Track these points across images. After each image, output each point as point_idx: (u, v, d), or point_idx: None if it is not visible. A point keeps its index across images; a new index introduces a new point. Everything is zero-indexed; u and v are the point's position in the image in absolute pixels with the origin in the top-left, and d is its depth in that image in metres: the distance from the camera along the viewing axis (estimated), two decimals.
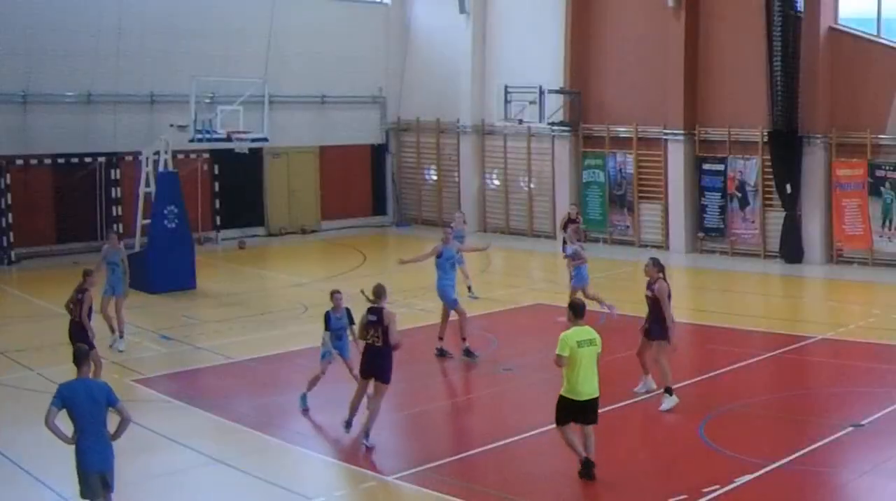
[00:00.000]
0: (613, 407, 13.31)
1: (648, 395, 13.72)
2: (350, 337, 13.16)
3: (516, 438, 12.11)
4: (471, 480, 11.16)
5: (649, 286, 13.65)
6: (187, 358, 16.52)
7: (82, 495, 8.72)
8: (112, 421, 8.75)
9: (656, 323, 13.54)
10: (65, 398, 8.57)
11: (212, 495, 10.89)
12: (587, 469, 10.73)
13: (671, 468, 11.15)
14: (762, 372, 15.43)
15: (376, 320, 11.76)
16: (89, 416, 8.58)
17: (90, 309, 14.27)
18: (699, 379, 14.80)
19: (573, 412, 10.83)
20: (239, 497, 10.76)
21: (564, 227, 22.79)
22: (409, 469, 11.06)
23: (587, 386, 10.78)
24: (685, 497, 9.95)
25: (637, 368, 15.81)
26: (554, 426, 11.02)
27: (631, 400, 13.56)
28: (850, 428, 12.02)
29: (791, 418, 12.89)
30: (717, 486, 10.17)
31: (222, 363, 16.15)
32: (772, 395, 14.24)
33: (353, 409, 12.21)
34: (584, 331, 10.93)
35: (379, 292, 12.10)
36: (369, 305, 12.00)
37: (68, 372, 9.26)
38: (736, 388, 14.36)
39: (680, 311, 18.36)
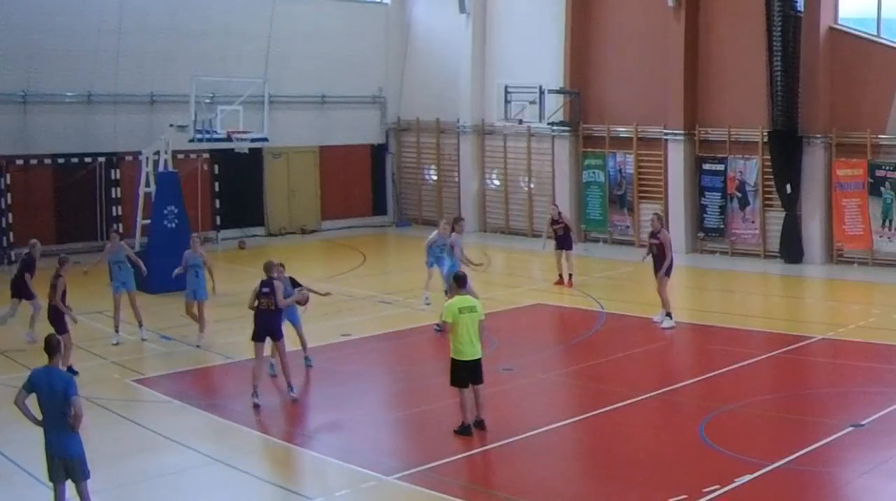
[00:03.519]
0: (614, 406, 13.35)
1: (655, 391, 13.75)
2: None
3: (516, 438, 12.11)
4: (471, 480, 11.16)
5: (654, 235, 18.10)
6: (187, 358, 16.52)
7: (48, 477, 9.13)
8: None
9: (666, 264, 17.80)
10: (32, 383, 9.06)
11: (212, 495, 10.89)
12: (467, 430, 12.11)
13: (671, 468, 11.15)
14: (762, 372, 15.43)
15: (269, 292, 13.91)
16: (48, 404, 8.97)
17: (63, 293, 15.17)
18: (699, 379, 14.82)
19: (462, 372, 12.15)
20: (239, 497, 10.76)
21: (553, 232, 22.59)
22: (409, 469, 11.05)
23: (469, 348, 12.13)
24: (685, 497, 9.95)
25: (634, 369, 15.89)
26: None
27: (631, 400, 13.57)
28: (850, 428, 12.02)
29: (791, 418, 12.89)
30: (717, 486, 10.17)
31: (222, 363, 16.15)
32: (772, 395, 14.23)
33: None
34: (465, 300, 12.32)
35: (268, 268, 14.17)
36: (262, 280, 14.06)
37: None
38: (736, 388, 14.35)
39: (680, 311, 18.46)
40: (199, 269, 17.31)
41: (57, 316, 15.07)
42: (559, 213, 22.93)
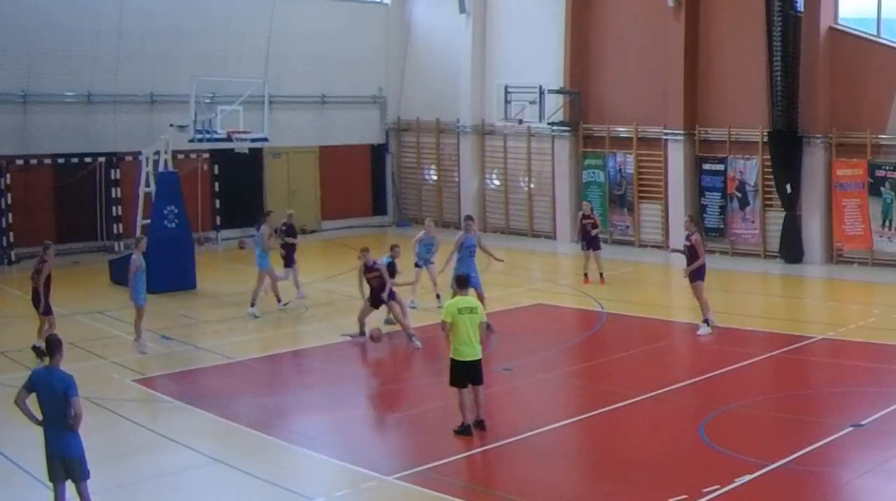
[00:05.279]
0: (614, 406, 13.35)
1: (655, 391, 13.76)
2: None
3: (516, 438, 12.11)
4: (471, 480, 11.17)
5: (687, 237, 17.53)
6: (187, 358, 16.52)
7: (48, 478, 9.13)
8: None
9: (699, 268, 17.29)
10: (33, 382, 9.08)
11: (212, 495, 10.88)
12: (467, 430, 12.09)
13: (671, 468, 11.15)
14: (762, 372, 15.43)
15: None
16: (48, 404, 8.98)
17: (48, 278, 15.97)
18: (699, 379, 14.82)
19: (462, 373, 12.12)
20: (239, 497, 10.76)
21: (582, 227, 22.76)
22: (409, 469, 11.05)
23: (468, 349, 12.11)
24: (685, 497, 9.95)
25: (634, 369, 15.88)
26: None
27: (631, 400, 13.57)
28: (850, 428, 12.02)
29: (791, 418, 12.90)
30: (717, 486, 10.17)
31: (222, 363, 16.15)
32: (772, 395, 14.24)
33: None
34: (466, 301, 12.34)
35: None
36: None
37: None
38: (736, 388, 14.36)
39: (680, 311, 18.47)
40: (142, 274, 16.73)
41: (38, 299, 15.87)
42: (591, 209, 23.22)
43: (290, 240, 20.80)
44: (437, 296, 19.49)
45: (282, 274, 20.56)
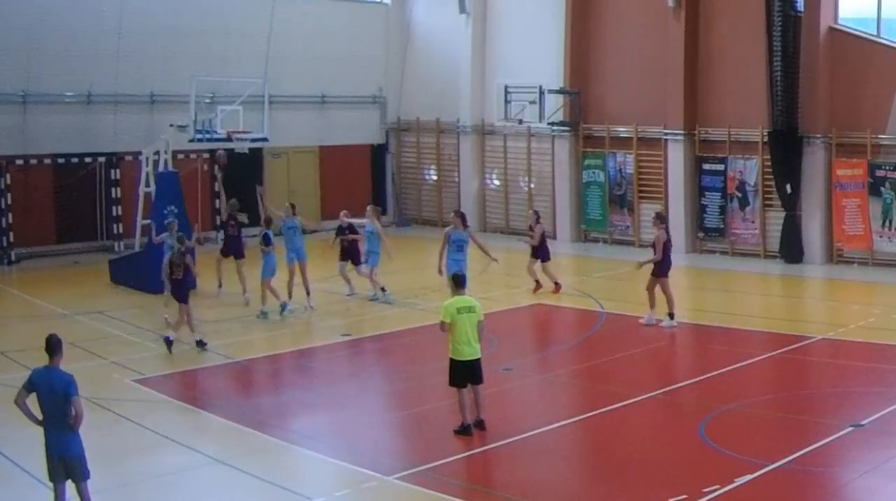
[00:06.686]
0: (614, 406, 13.35)
1: (655, 391, 13.75)
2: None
3: (516, 438, 12.11)
4: (471, 480, 11.16)
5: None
6: (187, 358, 16.52)
7: (48, 477, 9.13)
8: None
9: (657, 264, 17.88)
10: (32, 382, 9.06)
11: (212, 495, 10.88)
12: (467, 430, 12.11)
13: (671, 468, 11.15)
14: (762, 372, 15.43)
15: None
16: (48, 404, 8.97)
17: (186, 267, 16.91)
18: (699, 379, 14.82)
19: (461, 373, 12.12)
20: (239, 497, 10.76)
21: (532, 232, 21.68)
22: (409, 469, 11.05)
23: (467, 348, 12.10)
24: (685, 497, 9.95)
25: (634, 369, 15.87)
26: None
27: (631, 400, 13.57)
28: (850, 428, 12.02)
29: (791, 418, 12.90)
30: (717, 486, 10.17)
31: (222, 363, 16.15)
32: (772, 395, 14.23)
33: None
34: (464, 300, 12.27)
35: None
36: None
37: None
38: (736, 388, 14.35)
39: (679, 311, 18.42)
40: None
41: (180, 289, 16.66)
42: (536, 220, 21.74)
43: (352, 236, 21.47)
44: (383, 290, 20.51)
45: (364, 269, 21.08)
